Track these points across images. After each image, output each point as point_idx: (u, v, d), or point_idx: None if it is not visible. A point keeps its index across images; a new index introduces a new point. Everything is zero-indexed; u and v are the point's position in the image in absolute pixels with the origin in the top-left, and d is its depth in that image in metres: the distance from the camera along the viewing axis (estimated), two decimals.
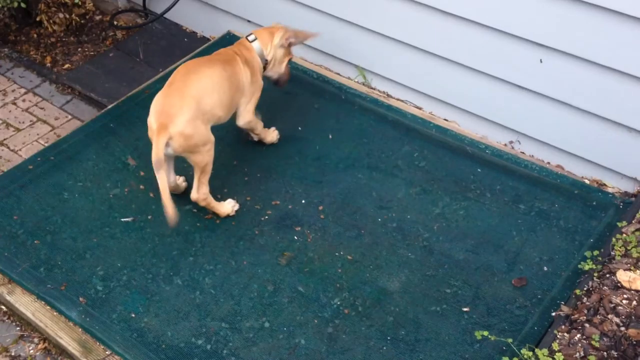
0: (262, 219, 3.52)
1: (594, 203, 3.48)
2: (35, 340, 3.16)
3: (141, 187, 3.67)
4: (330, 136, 3.96)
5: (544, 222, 3.43)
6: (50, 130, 4.26)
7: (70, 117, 4.38)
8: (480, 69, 3.66)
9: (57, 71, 4.71)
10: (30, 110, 4.42)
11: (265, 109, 4.13)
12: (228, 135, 3.94)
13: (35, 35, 4.99)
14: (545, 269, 3.21)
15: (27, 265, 3.29)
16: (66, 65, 4.75)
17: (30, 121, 4.34)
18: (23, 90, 4.57)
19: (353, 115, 4.08)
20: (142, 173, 3.74)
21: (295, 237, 3.42)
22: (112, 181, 3.71)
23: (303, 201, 3.60)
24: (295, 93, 4.26)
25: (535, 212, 3.48)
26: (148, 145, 3.90)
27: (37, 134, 4.24)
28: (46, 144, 4.07)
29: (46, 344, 3.13)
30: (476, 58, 3.65)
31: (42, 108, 4.44)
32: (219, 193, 3.61)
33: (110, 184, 3.69)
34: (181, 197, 3.57)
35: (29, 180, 3.70)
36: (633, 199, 3.39)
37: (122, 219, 3.52)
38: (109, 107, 4.18)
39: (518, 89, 3.58)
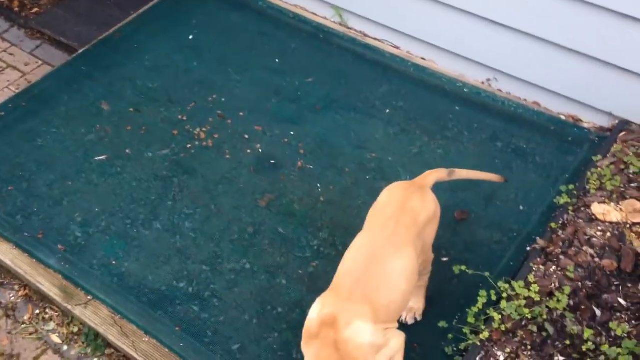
0: (241, 161, 3.50)
1: (570, 139, 3.50)
2: (16, 287, 3.15)
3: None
4: (308, 76, 3.92)
5: (520, 159, 3.45)
6: (21, 77, 4.17)
7: (40, 62, 4.27)
8: (456, 6, 3.60)
9: (26, 15, 4.57)
10: None
11: (241, 51, 4.07)
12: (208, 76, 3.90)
13: None
14: (522, 206, 3.24)
15: (3, 213, 3.26)
16: (34, 9, 4.61)
17: (0, 67, 4.23)
18: None
19: (331, 56, 4.03)
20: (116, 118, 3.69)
21: (275, 179, 3.42)
22: (87, 126, 3.65)
23: (282, 142, 3.58)
24: (271, 34, 4.18)
25: (512, 150, 3.50)
26: (122, 89, 3.86)
27: (8, 81, 4.14)
28: (17, 91, 3.97)
29: (27, 291, 3.12)
30: None
31: (11, 54, 4.33)
32: (201, 133, 3.59)
33: (85, 130, 3.64)
34: (153, 143, 3.55)
35: (1, 127, 3.63)
36: (608, 133, 3.42)
37: (96, 158, 3.49)
38: (80, 51, 4.08)
39: (494, 25, 3.54)
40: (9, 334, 2.99)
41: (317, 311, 2.28)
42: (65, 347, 2.94)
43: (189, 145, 3.55)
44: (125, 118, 3.70)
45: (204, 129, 3.63)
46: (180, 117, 3.69)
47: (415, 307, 2.84)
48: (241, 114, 3.72)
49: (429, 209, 2.59)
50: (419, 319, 2.84)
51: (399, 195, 2.57)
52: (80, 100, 3.79)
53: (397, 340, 2.39)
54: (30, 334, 2.99)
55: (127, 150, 3.53)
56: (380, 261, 2.37)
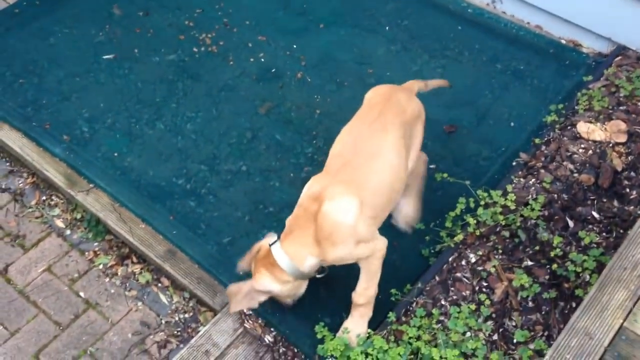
0: (244, 69, 3.59)
1: (567, 62, 3.53)
2: (24, 174, 3.33)
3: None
4: None
5: (518, 81, 3.49)
6: None
7: None
8: None
9: None
10: None
11: None
12: None
13: None
14: (513, 124, 3.31)
15: (14, 104, 3.42)
16: None
17: None
18: None
19: None
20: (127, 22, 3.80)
21: (276, 88, 3.52)
22: (97, 28, 3.77)
23: (285, 54, 3.66)
24: None
25: (511, 72, 3.54)
26: None
27: None
28: None
29: (34, 179, 3.30)
30: None
31: None
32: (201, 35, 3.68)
33: (95, 31, 3.76)
34: (160, 46, 3.65)
35: (15, 23, 3.77)
36: (605, 58, 3.44)
37: (104, 56, 3.62)
38: None
39: None
40: (16, 216, 3.19)
41: (307, 187, 2.41)
42: (68, 232, 3.13)
43: (194, 50, 3.65)
44: (135, 21, 3.80)
45: (209, 36, 3.72)
46: (187, 22, 3.78)
47: (409, 216, 2.87)
48: (247, 22, 3.79)
49: (415, 106, 2.64)
50: (409, 230, 2.88)
51: (384, 91, 2.65)
52: (93, 2, 3.89)
53: (381, 242, 2.44)
54: (36, 218, 3.18)
55: (135, 51, 3.65)
56: (368, 139, 2.44)
